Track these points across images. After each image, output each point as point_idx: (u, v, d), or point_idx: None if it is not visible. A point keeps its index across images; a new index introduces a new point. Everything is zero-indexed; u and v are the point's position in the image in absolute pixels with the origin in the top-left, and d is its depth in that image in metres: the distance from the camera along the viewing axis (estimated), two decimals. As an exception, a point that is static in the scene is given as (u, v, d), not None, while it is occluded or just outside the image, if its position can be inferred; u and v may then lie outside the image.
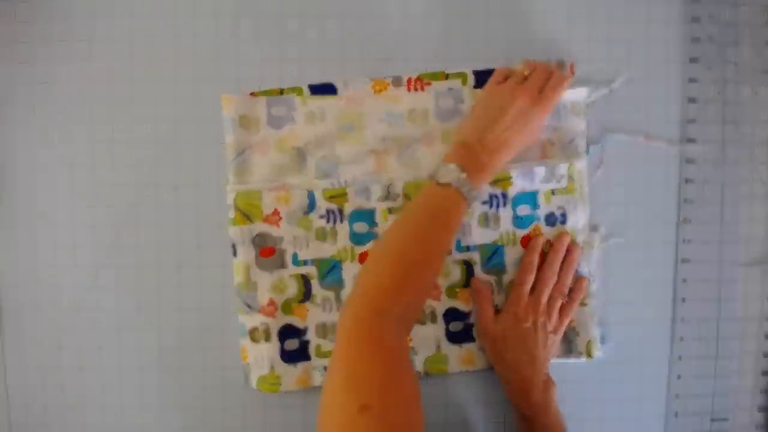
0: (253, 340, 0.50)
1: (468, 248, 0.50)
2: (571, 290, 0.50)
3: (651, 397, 0.53)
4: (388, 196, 0.50)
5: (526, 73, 0.48)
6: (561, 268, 0.50)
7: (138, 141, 0.51)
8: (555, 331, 0.49)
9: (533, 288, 0.49)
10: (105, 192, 0.51)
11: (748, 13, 0.51)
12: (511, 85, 0.47)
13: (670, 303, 0.53)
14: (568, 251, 0.50)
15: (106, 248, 0.51)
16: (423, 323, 0.51)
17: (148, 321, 0.51)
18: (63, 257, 0.51)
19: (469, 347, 0.51)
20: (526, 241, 0.51)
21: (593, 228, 0.52)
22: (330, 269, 0.50)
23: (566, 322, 0.49)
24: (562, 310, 0.49)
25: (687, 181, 0.52)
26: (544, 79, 0.47)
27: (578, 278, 0.51)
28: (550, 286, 0.49)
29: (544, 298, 0.48)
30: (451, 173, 0.44)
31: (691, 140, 0.52)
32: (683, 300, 0.53)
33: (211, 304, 0.51)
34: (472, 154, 0.45)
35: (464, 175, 0.44)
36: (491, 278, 0.51)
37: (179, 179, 0.51)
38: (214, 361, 0.52)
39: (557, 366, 0.50)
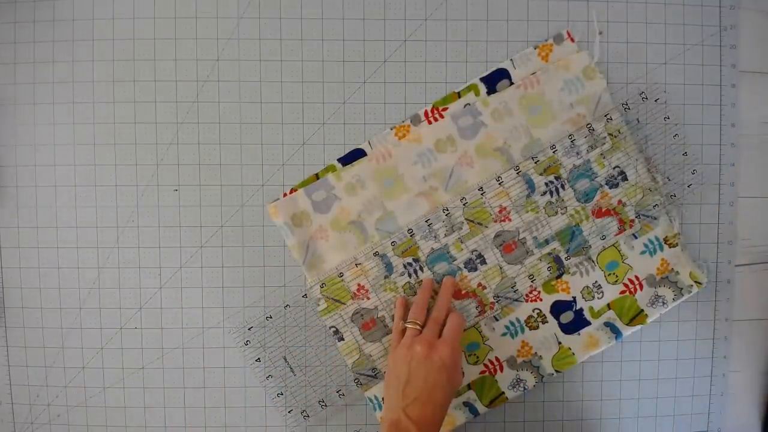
0: None
1: (547, 241, 0.51)
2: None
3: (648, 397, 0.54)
4: (453, 227, 0.51)
5: (419, 323, 0.47)
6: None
7: (140, 142, 0.52)
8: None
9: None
10: (107, 192, 0.52)
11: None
12: (407, 342, 0.46)
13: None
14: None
15: (108, 249, 0.52)
16: (536, 328, 0.52)
17: (150, 321, 0.52)
18: (65, 257, 0.52)
19: (586, 331, 0.52)
20: (600, 212, 0.51)
21: (655, 168, 0.51)
22: (431, 317, 0.51)
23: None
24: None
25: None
26: (439, 323, 0.47)
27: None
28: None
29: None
30: None
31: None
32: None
33: (213, 303, 0.52)
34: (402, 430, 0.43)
35: None
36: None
37: (180, 180, 0.52)
38: (215, 360, 0.53)
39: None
